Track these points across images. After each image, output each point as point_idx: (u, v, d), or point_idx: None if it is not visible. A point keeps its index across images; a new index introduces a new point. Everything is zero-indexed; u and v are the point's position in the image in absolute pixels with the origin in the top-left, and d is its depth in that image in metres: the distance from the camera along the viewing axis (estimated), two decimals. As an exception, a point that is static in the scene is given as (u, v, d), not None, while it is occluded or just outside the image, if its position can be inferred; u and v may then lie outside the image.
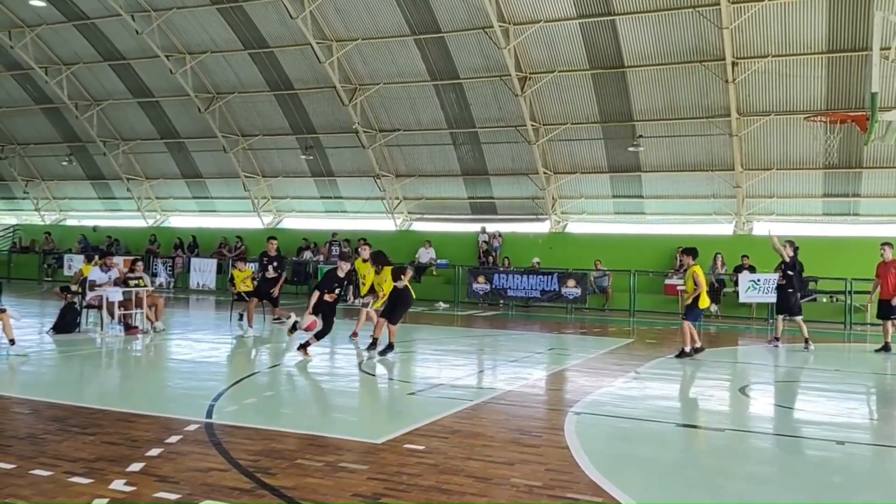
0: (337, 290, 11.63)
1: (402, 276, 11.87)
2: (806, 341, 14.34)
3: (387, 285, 11.92)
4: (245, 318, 14.88)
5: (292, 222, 30.63)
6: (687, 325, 12.67)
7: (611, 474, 5.87)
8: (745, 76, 20.74)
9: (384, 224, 28.37)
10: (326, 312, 11.58)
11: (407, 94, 25.10)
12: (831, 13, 19.22)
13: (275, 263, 14.99)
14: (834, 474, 6.35)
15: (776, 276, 19.75)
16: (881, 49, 10.98)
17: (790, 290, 14.71)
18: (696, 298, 12.64)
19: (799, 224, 23.19)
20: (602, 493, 5.46)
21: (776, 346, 14.67)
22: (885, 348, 14.03)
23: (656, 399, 9.58)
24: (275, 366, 11.56)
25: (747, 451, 7.20)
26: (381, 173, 26.94)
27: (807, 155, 21.80)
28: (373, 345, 12.03)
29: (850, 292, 19.93)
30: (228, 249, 28.32)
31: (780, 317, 15.09)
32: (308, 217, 30.33)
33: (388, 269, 12.11)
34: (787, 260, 14.63)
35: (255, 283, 15.76)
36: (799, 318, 14.68)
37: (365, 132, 25.93)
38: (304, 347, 11.50)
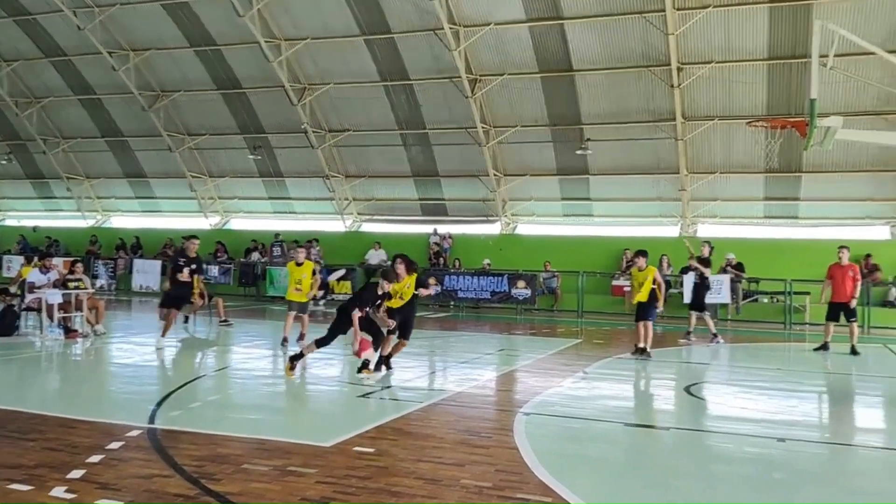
0: (368, 309, 10.10)
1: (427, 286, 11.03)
2: (714, 336, 15.20)
3: (408, 293, 10.65)
4: (166, 323, 13.07)
5: (240, 223, 30.19)
6: (650, 324, 12.94)
7: (560, 474, 5.91)
8: (689, 81, 21.14)
9: (334, 225, 28.16)
10: (368, 326, 10.12)
11: (357, 94, 24.95)
12: (772, 21, 19.74)
13: (193, 266, 13.27)
14: (775, 471, 6.50)
15: (721, 277, 20.39)
16: (820, 56, 11.29)
17: (705, 288, 15.70)
18: (654, 298, 12.89)
19: (741, 227, 23.75)
20: (551, 494, 5.49)
21: (719, 342, 15.16)
22: (824, 347, 14.40)
23: (604, 399, 9.70)
24: (220, 369, 11.37)
25: (693, 450, 7.34)
26: (330, 174, 26.74)
27: (749, 159, 22.30)
28: (385, 363, 10.58)
29: (790, 293, 20.50)
30: (174, 251, 27.77)
31: (697, 313, 15.63)
32: (256, 218, 29.92)
33: (413, 277, 10.62)
34: (700, 265, 15.62)
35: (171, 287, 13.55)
36: (706, 315, 15.47)
37: (314, 132, 25.71)
38: (365, 367, 9.95)
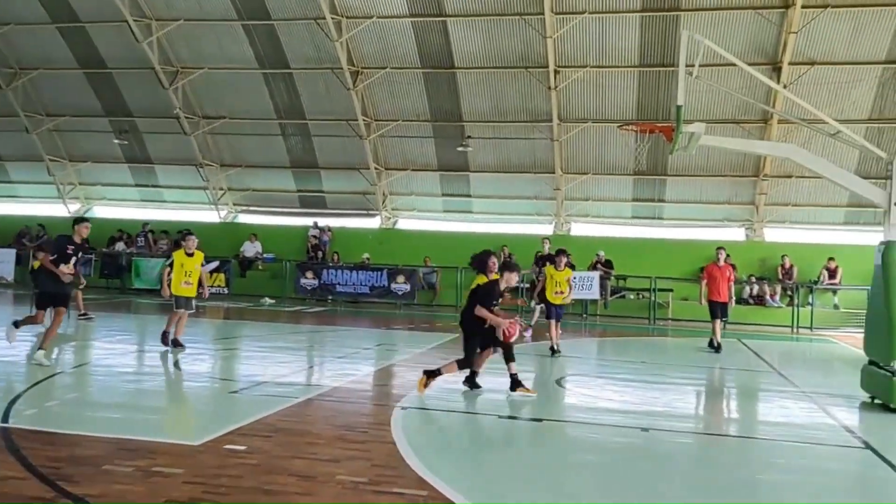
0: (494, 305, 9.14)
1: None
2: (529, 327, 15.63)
3: None
4: (27, 319, 10.90)
5: (103, 210, 28.61)
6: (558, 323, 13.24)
7: (436, 468, 5.94)
8: (565, 84, 21.79)
9: (207, 216, 27.19)
10: (485, 333, 9.14)
11: (234, 80, 24.19)
12: (643, 30, 20.65)
13: (80, 255, 11.07)
14: (640, 460, 6.80)
15: (592, 273, 21.17)
16: (686, 65, 11.85)
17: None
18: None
19: (611, 226, 24.71)
20: (427, 487, 5.50)
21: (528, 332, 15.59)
22: (715, 347, 14.69)
23: (479, 392, 9.82)
24: (79, 366, 10.74)
25: (564, 440, 7.56)
26: (204, 162, 25.80)
27: (619, 161, 23.26)
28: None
29: (654, 290, 21.55)
30: (29, 238, 26.04)
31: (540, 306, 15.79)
32: (121, 206, 28.44)
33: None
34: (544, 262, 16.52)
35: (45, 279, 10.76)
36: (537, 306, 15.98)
37: (187, 118, 24.72)
38: (520, 385, 9.01)
